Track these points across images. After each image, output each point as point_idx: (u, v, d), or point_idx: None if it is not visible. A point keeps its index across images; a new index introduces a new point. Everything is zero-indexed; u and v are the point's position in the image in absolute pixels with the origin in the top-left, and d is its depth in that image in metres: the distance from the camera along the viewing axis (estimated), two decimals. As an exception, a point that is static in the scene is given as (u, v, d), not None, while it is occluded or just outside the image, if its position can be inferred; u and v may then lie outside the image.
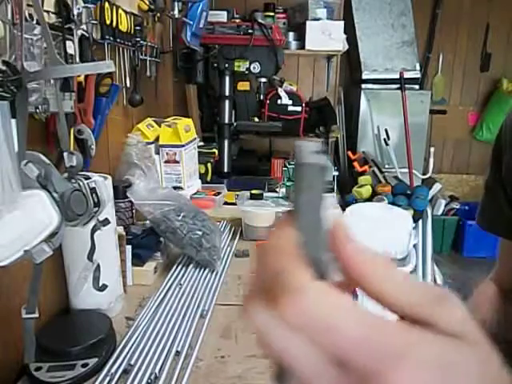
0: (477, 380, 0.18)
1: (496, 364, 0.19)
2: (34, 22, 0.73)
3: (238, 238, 1.45)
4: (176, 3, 1.73)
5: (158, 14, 1.64)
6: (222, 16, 2.48)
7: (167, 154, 1.59)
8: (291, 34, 2.96)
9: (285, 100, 2.76)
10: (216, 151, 2.08)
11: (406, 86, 3.21)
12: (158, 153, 1.60)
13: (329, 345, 0.19)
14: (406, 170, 3.22)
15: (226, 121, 2.12)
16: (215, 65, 2.01)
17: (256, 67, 2.01)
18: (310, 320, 0.19)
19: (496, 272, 0.71)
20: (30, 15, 0.73)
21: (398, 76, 3.24)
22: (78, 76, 0.94)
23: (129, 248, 1.10)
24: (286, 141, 3.24)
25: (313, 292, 0.19)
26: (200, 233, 1.17)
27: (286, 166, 2.77)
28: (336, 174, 2.90)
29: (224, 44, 1.99)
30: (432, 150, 3.44)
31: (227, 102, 2.11)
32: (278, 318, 0.20)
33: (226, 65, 2.01)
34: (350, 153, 3.34)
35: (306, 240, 0.22)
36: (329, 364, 0.19)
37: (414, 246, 2.67)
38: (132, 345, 0.86)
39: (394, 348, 0.18)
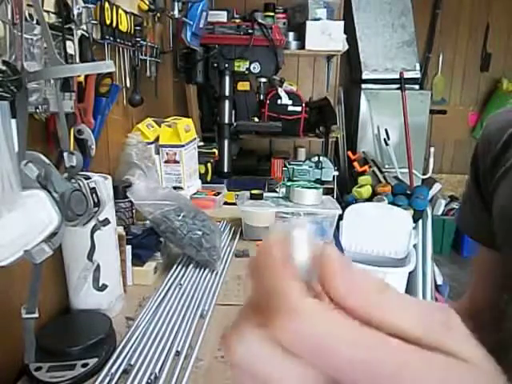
0: None
1: None
2: (34, 22, 0.73)
3: (237, 237, 1.45)
4: (176, 3, 1.73)
5: (158, 14, 1.64)
6: (222, 16, 2.48)
7: (167, 153, 1.60)
8: (291, 34, 2.96)
9: (285, 100, 2.76)
10: (216, 151, 2.08)
11: (406, 85, 3.21)
12: (158, 153, 1.60)
13: (324, 367, 0.18)
14: (406, 170, 3.22)
15: (226, 121, 2.12)
16: (215, 65, 2.01)
17: (256, 67, 2.01)
18: (304, 341, 0.18)
19: (470, 288, 0.68)
20: (30, 15, 0.73)
21: (398, 76, 3.24)
22: (78, 76, 0.94)
23: (129, 248, 1.10)
24: (285, 141, 3.24)
25: (308, 312, 0.18)
26: (200, 233, 1.17)
27: (286, 166, 2.78)
28: (336, 173, 2.91)
29: (224, 44, 1.99)
30: (432, 150, 3.44)
31: (227, 102, 2.11)
32: (268, 341, 0.19)
33: (226, 65, 2.01)
34: (349, 153, 3.34)
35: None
36: None
37: (414, 246, 2.67)
38: (132, 345, 0.86)
39: (386, 369, 0.17)
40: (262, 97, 2.38)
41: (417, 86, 3.38)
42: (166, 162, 1.60)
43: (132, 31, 1.36)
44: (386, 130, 3.29)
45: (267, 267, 0.20)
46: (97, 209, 0.68)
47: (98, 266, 0.86)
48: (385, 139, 3.30)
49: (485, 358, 0.19)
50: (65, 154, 0.66)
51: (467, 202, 0.65)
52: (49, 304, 0.95)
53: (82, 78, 0.98)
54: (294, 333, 0.18)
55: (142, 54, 1.50)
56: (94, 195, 0.67)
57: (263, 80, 2.31)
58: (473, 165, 0.62)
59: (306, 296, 0.19)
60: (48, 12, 0.89)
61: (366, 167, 3.22)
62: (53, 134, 0.93)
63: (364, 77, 3.30)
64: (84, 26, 0.99)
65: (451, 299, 3.01)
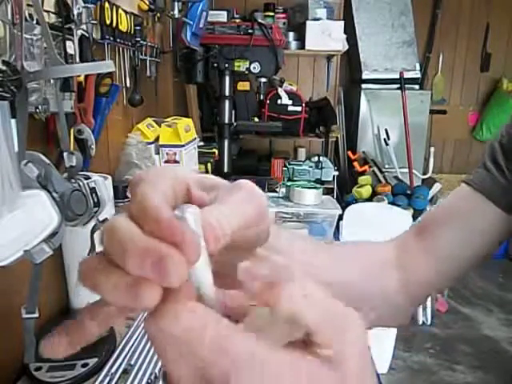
0: None
1: None
2: (34, 22, 0.73)
3: (237, 237, 1.45)
4: (176, 3, 1.73)
5: (158, 14, 1.64)
6: (222, 16, 2.48)
7: (167, 154, 1.59)
8: (291, 34, 2.96)
9: (285, 100, 2.76)
10: (216, 151, 2.08)
11: (406, 86, 3.21)
12: (158, 153, 1.60)
13: (191, 357, 0.21)
14: (406, 170, 3.22)
15: (226, 121, 2.12)
16: (215, 65, 2.01)
17: (256, 67, 2.01)
18: (170, 338, 0.21)
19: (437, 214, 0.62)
20: (30, 15, 0.73)
21: (398, 76, 3.24)
22: (78, 76, 0.94)
23: (129, 248, 1.10)
24: (285, 141, 3.24)
25: (172, 313, 0.21)
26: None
27: (286, 166, 2.78)
28: (336, 173, 2.91)
29: (224, 44, 1.99)
30: (432, 149, 3.44)
31: (227, 102, 2.11)
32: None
33: (226, 65, 2.01)
34: (350, 153, 3.34)
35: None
36: (195, 378, 0.21)
37: (414, 245, 2.66)
38: (132, 345, 0.86)
39: (236, 358, 0.20)
40: (262, 97, 2.37)
41: (417, 86, 3.38)
42: (166, 162, 1.60)
43: (132, 31, 1.36)
44: (386, 130, 3.29)
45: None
46: (97, 209, 0.68)
47: (98, 265, 0.86)
48: (385, 139, 3.30)
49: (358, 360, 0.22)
50: (65, 154, 0.66)
51: (488, 165, 0.60)
52: (49, 304, 0.95)
53: (81, 78, 0.98)
54: (159, 331, 0.21)
55: (142, 54, 1.50)
56: (93, 195, 0.67)
57: (263, 80, 2.31)
58: (505, 136, 0.58)
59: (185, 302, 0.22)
60: (48, 12, 0.89)
61: (366, 167, 3.22)
62: (53, 134, 0.93)
63: (364, 77, 3.29)
64: (84, 26, 0.99)
65: (450, 298, 3.02)
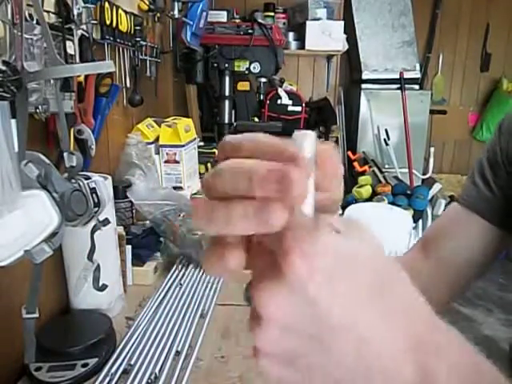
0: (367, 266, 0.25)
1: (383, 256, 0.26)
2: (34, 22, 0.73)
3: (238, 237, 1.45)
4: (176, 3, 1.73)
5: (158, 14, 1.64)
6: (222, 16, 2.48)
7: (167, 154, 1.59)
8: (291, 34, 2.95)
9: (285, 100, 2.76)
10: (216, 151, 2.08)
11: (406, 85, 3.21)
12: (158, 153, 1.60)
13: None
14: (406, 170, 3.22)
15: (226, 121, 2.12)
16: (215, 65, 2.01)
17: (256, 67, 2.01)
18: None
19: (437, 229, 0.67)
20: (30, 15, 0.73)
21: (398, 76, 3.24)
22: (78, 76, 0.94)
23: (129, 248, 1.10)
24: (285, 141, 3.24)
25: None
26: (200, 233, 1.17)
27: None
28: (336, 173, 2.90)
29: (224, 44, 1.99)
30: (432, 150, 3.43)
31: (227, 101, 2.11)
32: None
33: (226, 65, 2.01)
34: (350, 153, 3.33)
35: None
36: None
37: (414, 246, 2.66)
38: (132, 345, 0.86)
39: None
40: (262, 97, 2.38)
41: (417, 86, 3.37)
42: (166, 161, 1.60)
43: (132, 31, 1.36)
44: (386, 130, 3.29)
45: None
46: (97, 209, 0.68)
47: (98, 266, 0.86)
48: (385, 139, 3.30)
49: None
50: (65, 154, 0.66)
51: (476, 180, 0.63)
52: (49, 304, 0.95)
53: (81, 78, 0.98)
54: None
55: (142, 54, 1.50)
56: (93, 195, 0.67)
57: (263, 80, 2.31)
58: (491, 152, 0.62)
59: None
60: (48, 12, 0.89)
61: (366, 167, 3.22)
62: (53, 134, 0.93)
63: (364, 77, 3.29)
64: (84, 26, 0.99)
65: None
